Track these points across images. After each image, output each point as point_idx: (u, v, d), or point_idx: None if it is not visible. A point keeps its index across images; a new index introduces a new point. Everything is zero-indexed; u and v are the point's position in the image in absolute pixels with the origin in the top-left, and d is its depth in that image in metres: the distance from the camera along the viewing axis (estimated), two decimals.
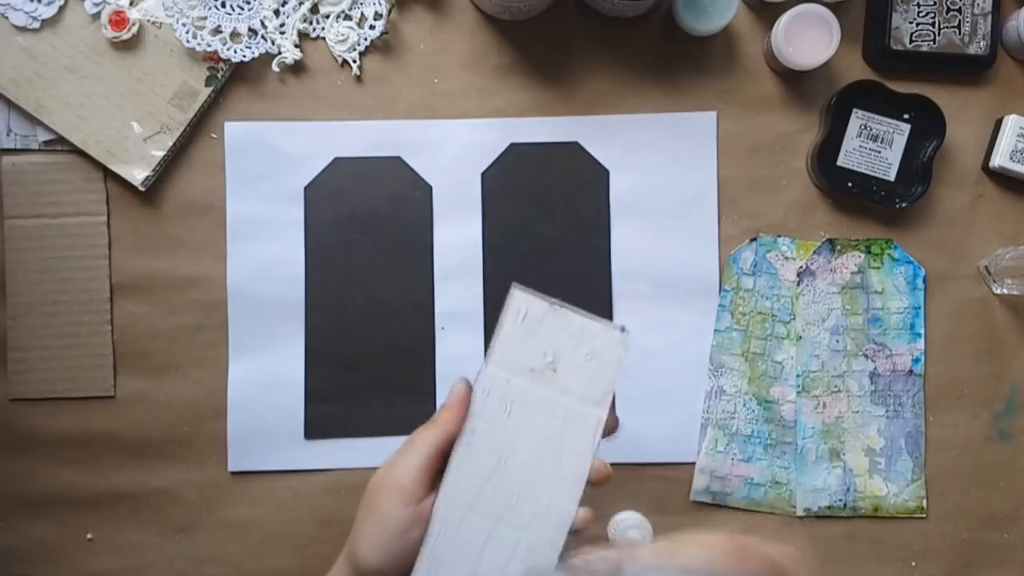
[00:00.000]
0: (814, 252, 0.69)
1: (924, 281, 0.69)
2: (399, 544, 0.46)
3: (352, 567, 0.47)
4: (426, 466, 0.47)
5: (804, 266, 0.69)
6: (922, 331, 0.69)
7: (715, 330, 0.69)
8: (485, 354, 0.50)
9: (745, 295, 0.69)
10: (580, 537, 0.49)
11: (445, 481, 0.48)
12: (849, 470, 0.68)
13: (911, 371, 0.69)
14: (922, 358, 0.69)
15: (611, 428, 0.50)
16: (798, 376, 0.69)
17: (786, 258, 0.69)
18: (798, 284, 0.69)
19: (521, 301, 0.50)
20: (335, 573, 0.49)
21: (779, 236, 0.69)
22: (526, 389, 0.49)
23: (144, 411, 0.68)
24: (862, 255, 0.69)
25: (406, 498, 0.46)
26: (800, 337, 0.69)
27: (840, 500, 0.68)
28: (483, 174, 0.69)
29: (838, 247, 0.69)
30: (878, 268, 0.69)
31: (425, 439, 0.48)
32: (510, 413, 0.49)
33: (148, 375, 0.69)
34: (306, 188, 0.69)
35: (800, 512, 0.68)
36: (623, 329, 0.50)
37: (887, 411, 0.69)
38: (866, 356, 0.69)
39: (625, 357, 0.50)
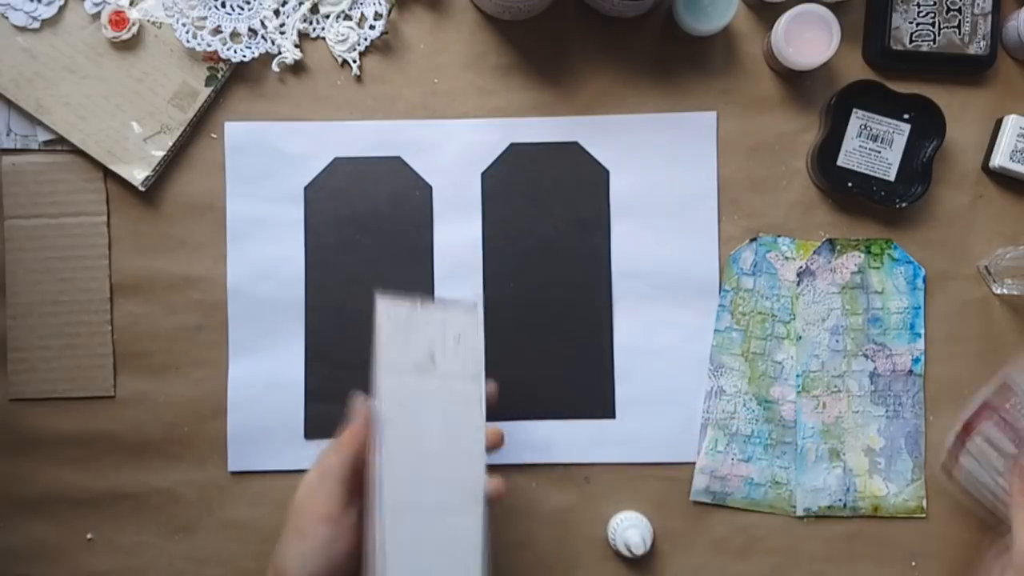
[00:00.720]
0: (814, 252, 0.69)
1: (924, 281, 0.69)
2: (323, 558, 0.51)
3: None
4: (341, 488, 0.53)
5: (804, 266, 0.69)
6: (922, 331, 0.69)
7: (715, 330, 0.69)
8: (371, 366, 0.54)
9: (745, 295, 0.69)
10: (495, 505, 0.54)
11: (378, 494, 0.51)
12: (849, 470, 0.68)
13: (911, 371, 0.69)
14: (922, 358, 0.69)
15: (492, 397, 0.56)
16: (798, 376, 0.69)
17: (786, 258, 0.69)
18: (798, 284, 0.69)
19: (388, 308, 0.55)
20: None
21: (779, 236, 0.69)
22: (416, 386, 0.54)
23: (144, 411, 0.69)
24: (862, 255, 0.69)
25: (326, 518, 0.52)
26: (800, 337, 0.69)
27: (840, 500, 0.68)
28: (483, 174, 0.69)
29: (838, 247, 0.69)
30: (878, 268, 0.69)
31: (333, 463, 0.53)
32: (410, 412, 0.53)
33: (148, 375, 0.69)
34: (306, 188, 0.69)
35: (800, 512, 0.68)
36: (475, 303, 0.56)
37: (887, 411, 0.69)
38: (866, 356, 0.69)
39: (481, 324, 0.56)
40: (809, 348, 0.69)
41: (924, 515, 0.68)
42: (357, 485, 0.53)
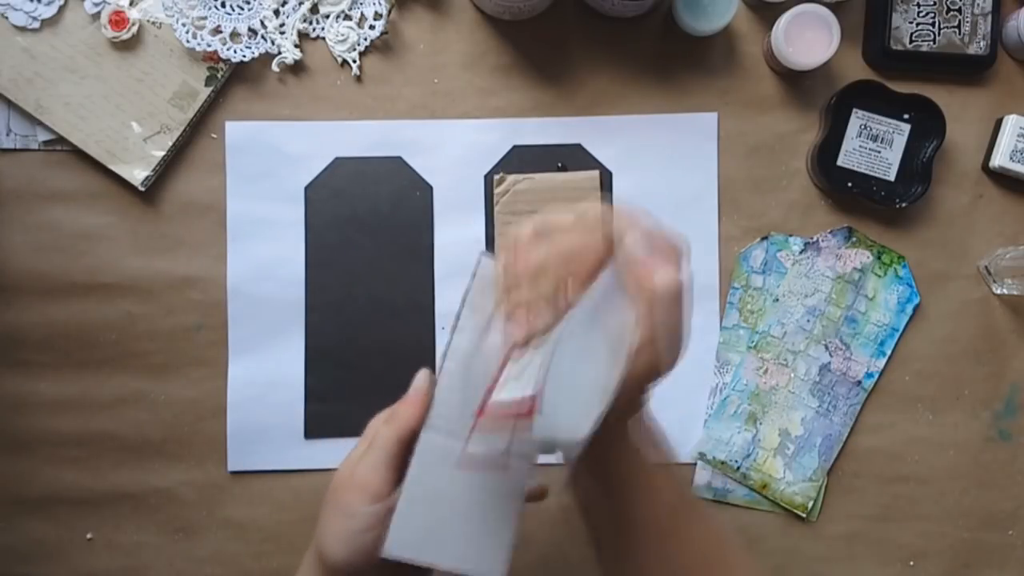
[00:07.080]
0: (830, 232, 0.69)
1: (914, 309, 0.69)
2: (367, 539, 0.46)
3: (320, 564, 0.47)
4: (390, 463, 0.47)
5: (814, 239, 0.69)
6: (888, 352, 0.68)
7: (722, 327, 0.69)
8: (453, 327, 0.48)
9: (754, 293, 0.69)
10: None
11: (408, 474, 0.46)
12: (758, 440, 0.68)
13: (859, 382, 0.68)
14: (876, 376, 0.68)
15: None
16: (756, 334, 0.69)
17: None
18: (800, 252, 0.69)
19: (486, 261, 0.47)
20: (304, 570, 0.49)
21: (791, 236, 0.69)
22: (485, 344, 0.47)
23: (144, 411, 0.68)
24: (871, 257, 0.69)
25: (371, 496, 0.46)
26: (777, 300, 0.69)
27: (736, 462, 0.68)
28: (486, 176, 0.69)
29: (854, 239, 0.69)
30: (880, 276, 0.69)
31: (385, 435, 0.48)
32: (470, 370, 0.47)
33: (148, 375, 0.69)
34: (306, 188, 0.69)
35: (693, 455, 0.68)
36: None
37: (820, 406, 0.68)
38: (826, 348, 0.69)
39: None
40: (779, 313, 0.69)
41: (805, 515, 0.68)
42: (405, 464, 0.47)
